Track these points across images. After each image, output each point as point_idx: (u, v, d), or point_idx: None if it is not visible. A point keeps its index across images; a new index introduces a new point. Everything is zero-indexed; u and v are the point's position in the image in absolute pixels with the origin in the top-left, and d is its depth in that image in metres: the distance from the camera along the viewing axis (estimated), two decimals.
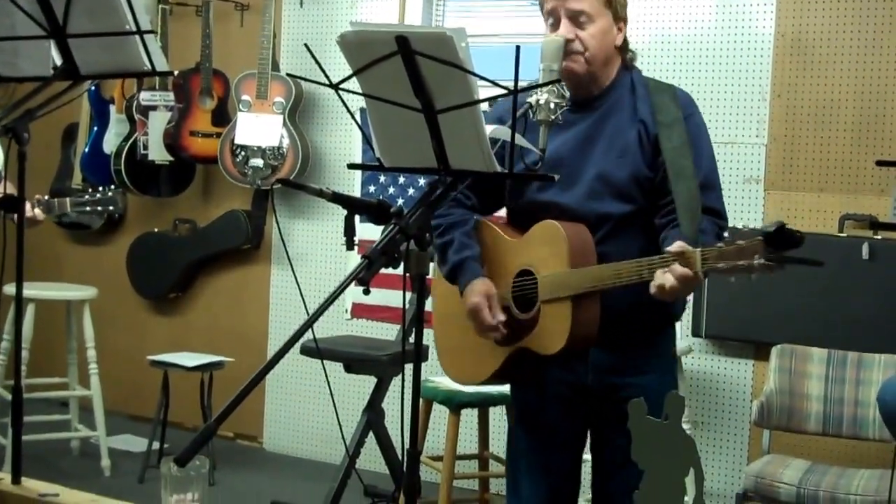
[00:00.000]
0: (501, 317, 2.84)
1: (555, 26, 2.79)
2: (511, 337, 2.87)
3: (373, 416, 4.95)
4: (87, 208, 3.76)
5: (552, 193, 2.81)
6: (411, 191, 5.70)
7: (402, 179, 5.68)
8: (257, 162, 5.71)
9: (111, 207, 3.79)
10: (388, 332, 5.57)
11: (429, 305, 3.05)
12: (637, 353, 2.89)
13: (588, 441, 3.04)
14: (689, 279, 2.49)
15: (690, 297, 4.93)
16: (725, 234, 2.51)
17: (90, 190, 3.80)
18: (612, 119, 2.86)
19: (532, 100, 2.66)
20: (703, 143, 2.88)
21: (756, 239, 2.34)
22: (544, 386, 2.94)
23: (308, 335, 2.17)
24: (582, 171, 2.82)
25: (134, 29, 2.69)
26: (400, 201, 5.58)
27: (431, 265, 2.72)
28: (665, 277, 2.50)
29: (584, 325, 2.74)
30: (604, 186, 2.80)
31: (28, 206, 3.32)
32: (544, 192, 2.83)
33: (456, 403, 4.23)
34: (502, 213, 3.07)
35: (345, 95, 2.26)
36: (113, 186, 3.85)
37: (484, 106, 2.26)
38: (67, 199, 3.73)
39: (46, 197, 3.66)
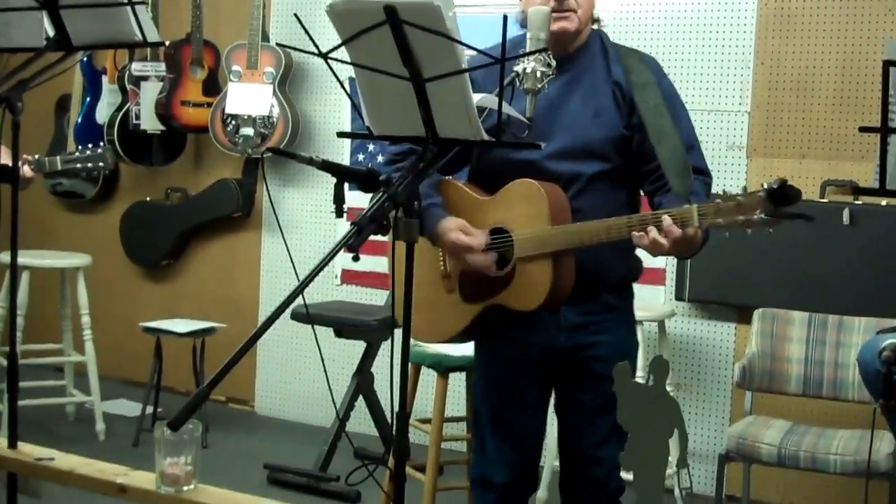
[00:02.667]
0: (484, 237, 2.83)
1: None
2: (482, 294, 2.88)
3: (362, 380, 5.01)
4: (78, 165, 3.76)
5: (524, 152, 2.82)
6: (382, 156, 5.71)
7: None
8: (248, 131, 5.72)
9: (101, 164, 3.78)
10: (378, 297, 5.61)
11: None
12: (604, 309, 2.94)
13: (552, 400, 3.07)
14: (684, 237, 2.54)
15: (674, 261, 5.01)
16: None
17: (79, 148, 3.81)
18: (586, 79, 2.89)
19: (519, 68, 2.68)
20: (678, 104, 2.92)
21: (758, 195, 2.39)
22: (513, 348, 2.95)
23: (299, 301, 2.18)
24: (554, 130, 2.84)
25: (125, 0, 2.73)
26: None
27: None
28: (658, 234, 2.54)
29: (563, 281, 2.77)
30: (577, 146, 2.83)
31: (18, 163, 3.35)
32: (515, 150, 2.84)
33: (444, 367, 4.27)
34: None
35: (334, 65, 2.27)
36: (102, 144, 3.87)
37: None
38: (58, 157, 3.74)
39: (37, 156, 3.68)
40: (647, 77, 2.86)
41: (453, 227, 2.84)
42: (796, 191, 2.37)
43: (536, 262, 2.77)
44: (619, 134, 2.86)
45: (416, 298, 2.81)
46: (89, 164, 3.76)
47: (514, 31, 2.96)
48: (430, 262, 2.97)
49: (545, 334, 2.91)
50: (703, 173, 2.87)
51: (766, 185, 2.38)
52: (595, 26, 2.98)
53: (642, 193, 2.99)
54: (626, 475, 3.91)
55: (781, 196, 2.37)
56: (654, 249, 2.58)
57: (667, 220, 2.55)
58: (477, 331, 2.97)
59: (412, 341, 2.38)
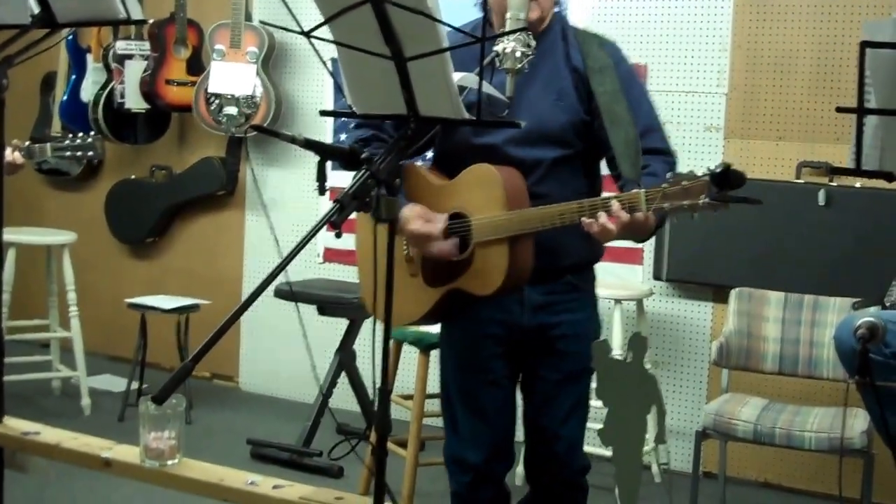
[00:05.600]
0: (443, 222, 2.84)
1: None
2: (443, 277, 2.89)
3: (345, 356, 5.04)
4: (67, 153, 3.80)
5: (486, 137, 2.83)
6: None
7: None
8: (231, 110, 5.72)
9: (90, 153, 3.82)
10: None
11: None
12: (567, 290, 2.96)
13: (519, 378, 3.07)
14: (633, 222, 2.56)
15: (652, 241, 5.05)
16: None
17: (70, 136, 3.86)
18: (547, 62, 2.89)
19: (499, 48, 2.70)
20: (636, 87, 2.93)
21: (702, 179, 2.42)
22: (478, 326, 2.96)
23: (282, 278, 2.18)
24: (516, 114, 2.81)
25: None
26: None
27: None
28: (606, 220, 2.56)
29: (520, 265, 2.77)
30: (539, 130, 2.83)
31: (8, 150, 3.36)
32: (478, 135, 2.85)
33: (425, 344, 4.30)
34: None
35: (317, 44, 2.26)
36: (92, 133, 3.91)
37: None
38: (48, 145, 3.76)
39: (27, 143, 3.71)
40: (605, 62, 2.86)
41: (413, 216, 2.84)
42: (740, 175, 2.39)
43: (493, 247, 2.77)
44: (579, 119, 2.87)
45: (379, 282, 2.82)
46: (79, 153, 3.79)
47: (471, 14, 2.98)
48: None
49: (509, 312, 2.93)
50: (664, 153, 2.88)
51: (710, 170, 2.41)
52: (556, 9, 2.99)
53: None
54: (603, 450, 3.98)
55: (725, 180, 2.39)
56: (603, 235, 2.60)
57: (615, 204, 2.56)
58: (441, 314, 2.98)
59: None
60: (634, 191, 2.56)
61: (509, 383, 3.04)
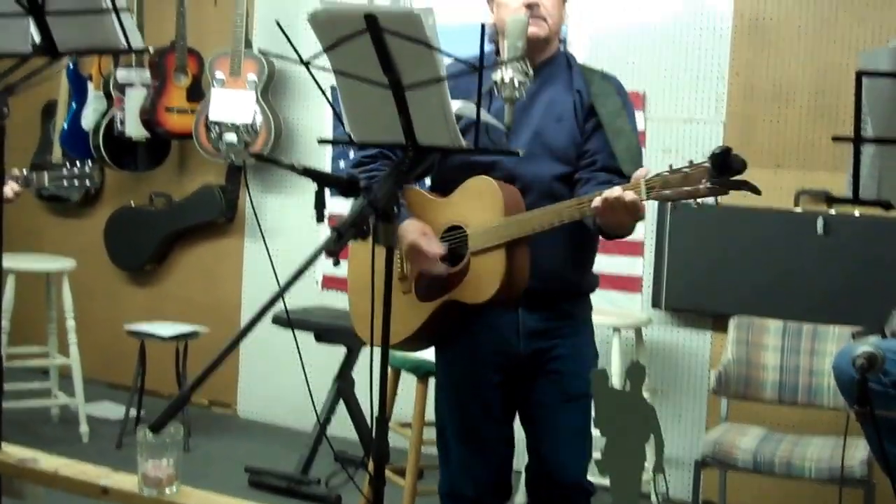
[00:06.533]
0: (441, 248, 2.85)
1: None
2: (436, 292, 2.89)
3: (343, 384, 5.03)
4: (65, 182, 3.83)
5: (486, 154, 2.85)
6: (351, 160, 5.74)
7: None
8: (231, 137, 5.74)
9: (87, 182, 3.86)
10: None
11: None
12: (563, 316, 2.98)
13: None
14: (633, 203, 2.56)
15: (651, 269, 5.06)
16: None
17: (67, 164, 3.87)
18: (549, 88, 2.97)
19: (497, 77, 2.73)
20: (633, 119, 2.99)
21: (703, 165, 2.45)
22: (475, 355, 2.96)
23: (280, 305, 2.16)
24: (519, 133, 2.89)
25: (110, 7, 2.75)
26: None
27: None
28: (610, 192, 2.58)
29: (517, 272, 2.78)
30: (541, 147, 2.89)
31: (8, 187, 3.38)
32: (478, 153, 2.86)
33: (423, 372, 4.29)
34: None
35: (315, 72, 2.28)
36: (90, 161, 3.93)
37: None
38: (45, 173, 3.80)
39: (24, 171, 3.73)
40: (608, 89, 2.96)
41: (415, 230, 2.86)
42: (740, 160, 2.42)
43: (490, 254, 2.79)
44: (577, 139, 2.94)
45: (369, 302, 2.80)
46: (76, 182, 3.81)
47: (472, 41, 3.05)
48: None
49: (506, 340, 2.94)
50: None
51: (712, 152, 2.44)
52: (562, 47, 3.08)
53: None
54: (602, 479, 3.96)
55: (725, 164, 2.41)
56: (608, 212, 2.59)
57: (617, 189, 2.58)
58: (433, 330, 2.97)
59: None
60: (636, 175, 2.59)
61: (506, 417, 3.05)
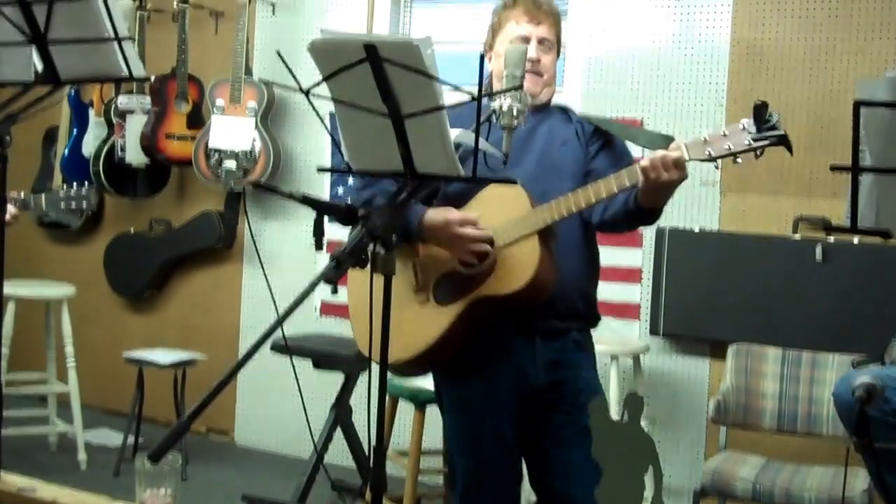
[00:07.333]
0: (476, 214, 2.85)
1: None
2: (461, 292, 2.88)
3: (340, 412, 5.01)
4: (62, 204, 3.84)
5: (499, 174, 2.85)
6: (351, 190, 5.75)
7: None
8: (230, 164, 5.75)
9: (84, 204, 3.86)
10: None
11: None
12: (574, 348, 3.01)
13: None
14: (679, 160, 2.64)
15: (648, 296, 5.05)
16: None
17: (64, 187, 3.88)
18: (548, 121, 3.06)
19: (496, 105, 2.75)
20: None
21: (741, 121, 2.59)
22: (495, 389, 2.95)
23: (278, 332, 2.17)
24: (523, 159, 2.94)
25: (112, 36, 2.75)
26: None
27: None
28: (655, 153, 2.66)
29: (549, 263, 2.81)
30: (548, 168, 2.95)
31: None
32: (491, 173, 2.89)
33: (421, 400, 4.30)
34: None
35: (315, 100, 2.29)
36: (87, 184, 3.93)
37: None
38: (43, 196, 3.81)
39: (22, 193, 3.73)
40: (607, 123, 3.09)
41: (446, 212, 2.86)
42: (777, 114, 2.57)
43: (521, 243, 2.80)
44: (583, 161, 3.02)
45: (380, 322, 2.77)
46: (73, 205, 3.82)
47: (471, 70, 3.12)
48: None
49: (524, 372, 2.95)
50: None
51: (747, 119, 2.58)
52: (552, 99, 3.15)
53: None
54: None
55: (763, 115, 2.56)
56: (654, 172, 2.66)
57: (669, 155, 2.65)
58: (456, 340, 2.91)
59: (389, 374, 2.40)
60: (674, 143, 2.67)
61: (518, 450, 3.04)
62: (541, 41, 3.01)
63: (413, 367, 3.03)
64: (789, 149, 2.57)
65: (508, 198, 2.84)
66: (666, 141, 2.90)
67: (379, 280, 2.26)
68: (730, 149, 2.62)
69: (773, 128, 2.56)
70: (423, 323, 2.91)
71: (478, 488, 3.01)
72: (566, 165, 2.98)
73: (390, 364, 3.06)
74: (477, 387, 2.98)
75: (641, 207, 2.82)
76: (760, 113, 2.55)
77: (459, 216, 2.85)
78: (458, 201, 2.95)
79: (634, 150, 3.19)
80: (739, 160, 2.64)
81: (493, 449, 2.99)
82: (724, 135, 2.60)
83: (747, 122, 2.59)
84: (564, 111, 3.13)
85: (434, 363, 3.02)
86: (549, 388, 2.95)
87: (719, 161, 2.68)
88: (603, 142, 3.08)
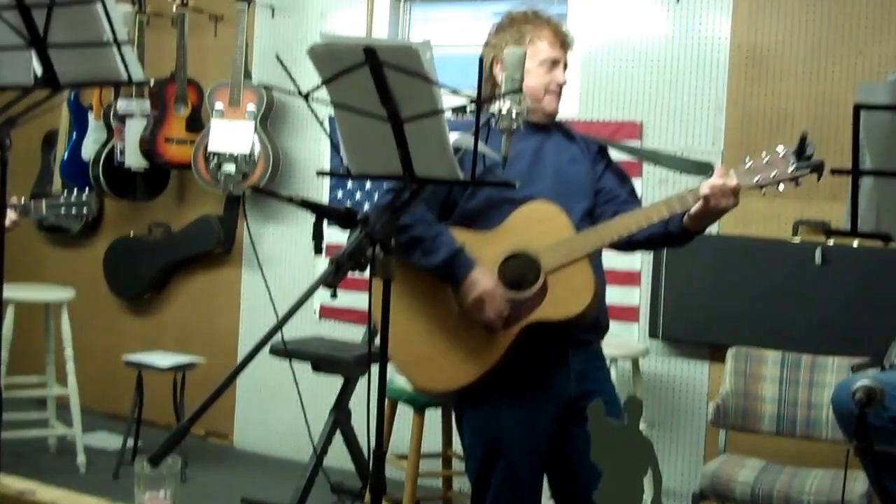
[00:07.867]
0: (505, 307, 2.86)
1: (551, 68, 3.03)
2: (512, 318, 2.86)
3: (340, 415, 5.01)
4: (62, 210, 3.85)
5: (519, 192, 2.84)
6: (377, 196, 5.75)
7: (368, 185, 5.74)
8: (230, 168, 5.74)
9: (84, 210, 3.87)
10: (356, 333, 5.60)
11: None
12: (596, 357, 3.07)
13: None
14: (736, 187, 2.73)
15: (647, 299, 5.05)
16: None
17: (65, 193, 3.89)
18: (553, 137, 3.07)
19: (494, 108, 2.75)
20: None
21: (783, 153, 2.73)
22: (534, 406, 2.94)
23: (277, 336, 2.17)
24: (540, 175, 2.96)
25: (112, 40, 2.76)
26: (367, 206, 5.65)
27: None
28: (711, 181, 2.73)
29: (600, 284, 2.86)
30: (565, 186, 2.96)
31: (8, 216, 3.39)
32: (504, 192, 2.90)
33: (420, 404, 4.29)
34: None
35: (314, 104, 2.30)
36: (87, 190, 3.94)
37: (448, 114, 2.32)
38: (43, 202, 3.82)
39: (23, 199, 3.74)
40: (635, 150, 3.23)
41: (489, 281, 2.85)
42: (813, 143, 2.72)
43: (572, 267, 2.82)
44: (593, 179, 3.06)
45: (423, 348, 2.81)
46: (73, 210, 3.83)
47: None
48: (438, 307, 2.93)
49: (559, 385, 2.96)
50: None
51: (785, 147, 2.74)
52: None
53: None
54: None
55: (805, 145, 2.72)
56: (714, 200, 2.73)
57: (715, 178, 2.74)
58: (513, 359, 2.88)
59: (388, 377, 2.39)
60: (721, 170, 2.77)
61: (545, 462, 3.03)
62: (565, 65, 3.08)
63: (462, 393, 2.97)
64: (820, 175, 2.68)
65: (547, 218, 2.86)
66: (700, 167, 2.96)
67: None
68: (776, 177, 2.74)
69: (811, 157, 2.71)
70: (473, 351, 2.88)
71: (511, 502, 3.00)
72: (581, 183, 3.03)
73: (437, 393, 3.09)
74: (521, 410, 2.95)
75: (687, 231, 2.86)
76: (804, 145, 2.69)
77: (498, 307, 2.84)
78: (479, 219, 2.95)
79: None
80: (782, 187, 2.76)
81: (529, 465, 2.98)
82: (768, 163, 2.72)
83: (784, 149, 2.73)
84: (560, 127, 3.14)
85: (481, 388, 2.95)
86: (580, 399, 2.94)
87: (765, 189, 2.79)
88: (606, 161, 3.14)
